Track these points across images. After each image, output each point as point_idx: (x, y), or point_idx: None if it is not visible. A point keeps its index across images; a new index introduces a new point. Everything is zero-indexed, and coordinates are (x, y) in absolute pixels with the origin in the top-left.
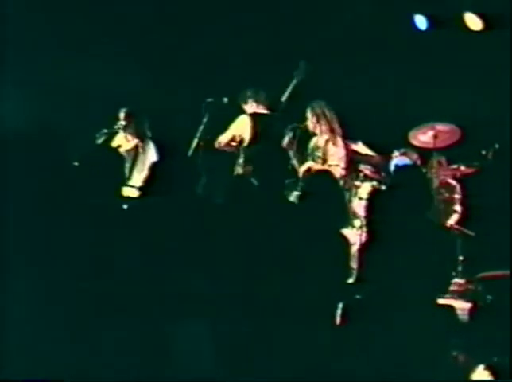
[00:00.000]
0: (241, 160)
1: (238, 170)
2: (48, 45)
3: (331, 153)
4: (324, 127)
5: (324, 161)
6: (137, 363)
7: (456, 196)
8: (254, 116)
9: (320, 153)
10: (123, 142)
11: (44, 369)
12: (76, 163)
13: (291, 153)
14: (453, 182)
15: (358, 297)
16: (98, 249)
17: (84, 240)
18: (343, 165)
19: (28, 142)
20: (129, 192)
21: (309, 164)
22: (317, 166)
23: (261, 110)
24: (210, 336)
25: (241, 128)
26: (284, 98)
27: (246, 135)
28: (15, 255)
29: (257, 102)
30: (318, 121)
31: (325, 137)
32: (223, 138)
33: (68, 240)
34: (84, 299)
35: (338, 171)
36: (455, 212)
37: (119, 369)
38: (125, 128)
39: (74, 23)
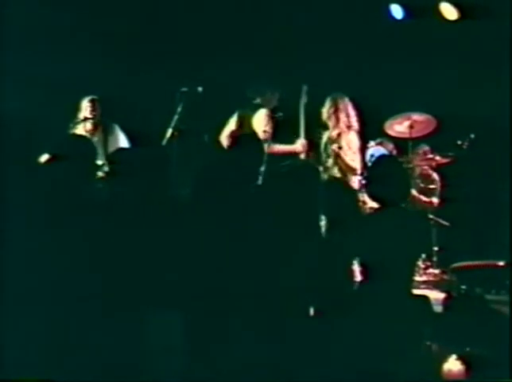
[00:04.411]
0: None
1: None
2: (13, 33)
3: (345, 147)
4: (342, 123)
5: (338, 155)
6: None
7: (432, 186)
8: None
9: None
10: (90, 129)
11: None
12: (47, 155)
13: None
14: (432, 173)
15: None
16: (68, 239)
17: (56, 230)
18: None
19: None
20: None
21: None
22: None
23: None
24: (184, 328)
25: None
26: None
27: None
28: None
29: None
30: (335, 112)
31: (338, 131)
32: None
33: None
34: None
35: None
36: (431, 202)
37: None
38: (92, 116)
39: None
